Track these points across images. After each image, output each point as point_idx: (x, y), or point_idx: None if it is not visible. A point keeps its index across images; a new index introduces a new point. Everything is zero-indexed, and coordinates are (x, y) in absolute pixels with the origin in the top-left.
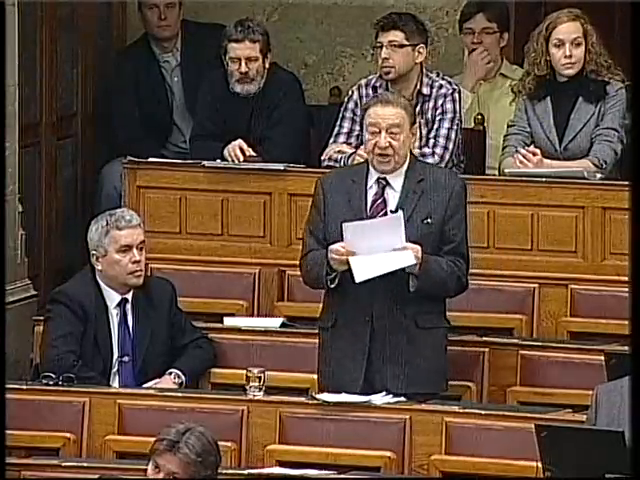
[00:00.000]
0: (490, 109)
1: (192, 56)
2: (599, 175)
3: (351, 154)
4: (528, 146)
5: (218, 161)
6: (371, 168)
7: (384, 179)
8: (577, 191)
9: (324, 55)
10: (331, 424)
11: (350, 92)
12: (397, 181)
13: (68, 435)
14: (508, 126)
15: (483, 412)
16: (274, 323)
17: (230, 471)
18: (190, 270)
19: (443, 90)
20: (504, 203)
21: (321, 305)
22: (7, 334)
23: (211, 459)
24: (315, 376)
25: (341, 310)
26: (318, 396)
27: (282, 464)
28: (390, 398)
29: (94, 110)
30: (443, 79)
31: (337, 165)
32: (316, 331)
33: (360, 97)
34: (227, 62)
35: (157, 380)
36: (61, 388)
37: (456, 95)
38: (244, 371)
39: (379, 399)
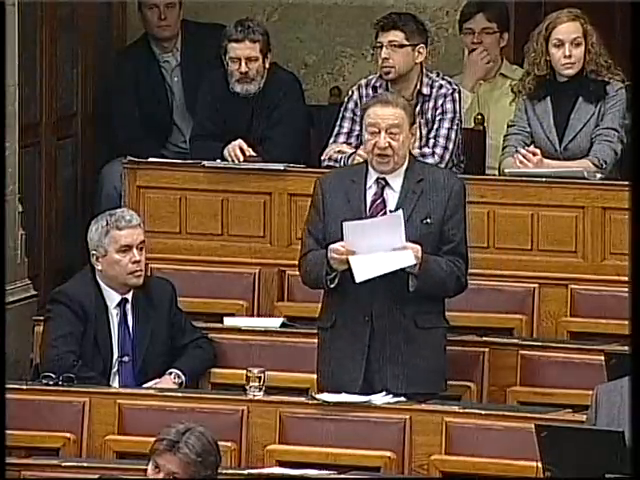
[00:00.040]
0: (490, 109)
1: (192, 56)
2: (599, 175)
3: (351, 154)
4: (528, 146)
5: (218, 161)
6: (370, 168)
7: (383, 179)
8: (577, 191)
9: (324, 55)
10: (331, 424)
11: (350, 92)
12: (396, 181)
13: (68, 435)
14: (508, 126)
15: (483, 412)
16: (274, 323)
17: (230, 471)
18: (190, 270)
19: (443, 90)
20: (504, 203)
21: (320, 305)
22: (7, 334)
23: (211, 459)
24: (315, 376)
25: (340, 310)
26: (318, 396)
27: (282, 464)
28: (390, 398)
29: (94, 110)
30: (443, 79)
31: (337, 165)
32: (316, 331)
33: (360, 97)
34: (227, 62)
35: (157, 380)
36: (61, 388)
37: (456, 95)
38: (244, 371)
39: (379, 399)
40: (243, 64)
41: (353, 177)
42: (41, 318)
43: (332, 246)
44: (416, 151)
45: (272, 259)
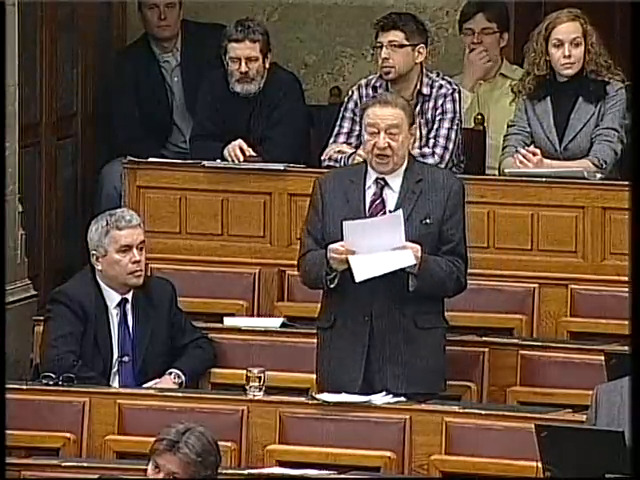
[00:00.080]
0: (490, 109)
1: (192, 56)
2: (599, 175)
3: (351, 154)
4: (528, 146)
5: (218, 161)
6: (369, 168)
7: (382, 179)
8: (577, 191)
9: (324, 55)
10: (331, 424)
11: (350, 92)
12: (395, 181)
13: (68, 435)
14: (508, 126)
15: (483, 412)
16: (274, 323)
17: (230, 471)
18: (190, 270)
19: (443, 90)
20: (504, 203)
21: (319, 305)
22: (7, 334)
23: (211, 459)
24: (315, 376)
25: (340, 310)
26: (318, 396)
27: (282, 464)
28: (390, 398)
29: (94, 110)
30: (443, 79)
31: (337, 165)
32: (316, 331)
33: (360, 97)
34: (227, 62)
35: (157, 380)
36: (61, 388)
37: (456, 95)
38: (244, 371)
39: (379, 399)
40: (243, 64)
41: (352, 177)
42: (41, 318)
43: (332, 246)
44: (416, 151)
45: (272, 259)
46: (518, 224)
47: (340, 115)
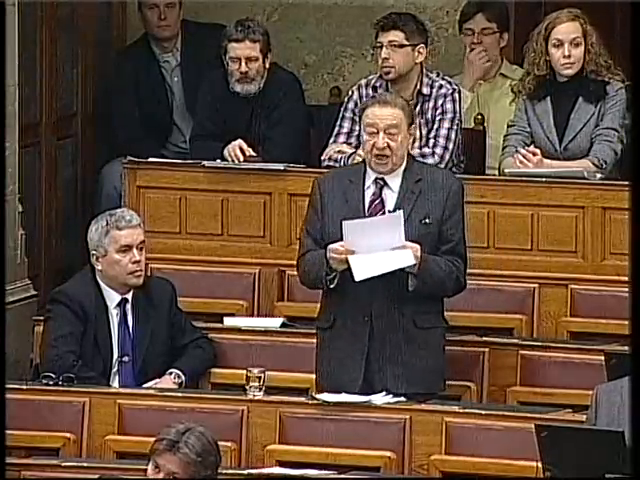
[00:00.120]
0: (490, 109)
1: (192, 56)
2: (599, 175)
3: (351, 154)
4: (528, 146)
5: (218, 161)
6: (368, 168)
7: (382, 179)
8: (577, 191)
9: (324, 55)
10: (331, 424)
11: (350, 92)
12: (395, 181)
13: (68, 435)
14: (508, 126)
15: (483, 412)
16: (274, 323)
17: (230, 471)
18: (190, 270)
19: (443, 90)
20: (504, 203)
21: (319, 305)
22: (7, 334)
23: (211, 459)
24: (314, 376)
25: (340, 310)
26: (318, 396)
27: (282, 464)
28: (390, 398)
29: (94, 110)
30: (443, 79)
31: (337, 165)
32: (315, 331)
33: (360, 97)
34: (227, 62)
35: (157, 380)
36: (61, 388)
37: (456, 95)
38: (244, 371)
39: (379, 399)
40: (243, 64)
41: (351, 177)
42: (41, 318)
43: (331, 246)
44: (416, 151)
45: (272, 259)
46: (518, 224)
47: (340, 115)
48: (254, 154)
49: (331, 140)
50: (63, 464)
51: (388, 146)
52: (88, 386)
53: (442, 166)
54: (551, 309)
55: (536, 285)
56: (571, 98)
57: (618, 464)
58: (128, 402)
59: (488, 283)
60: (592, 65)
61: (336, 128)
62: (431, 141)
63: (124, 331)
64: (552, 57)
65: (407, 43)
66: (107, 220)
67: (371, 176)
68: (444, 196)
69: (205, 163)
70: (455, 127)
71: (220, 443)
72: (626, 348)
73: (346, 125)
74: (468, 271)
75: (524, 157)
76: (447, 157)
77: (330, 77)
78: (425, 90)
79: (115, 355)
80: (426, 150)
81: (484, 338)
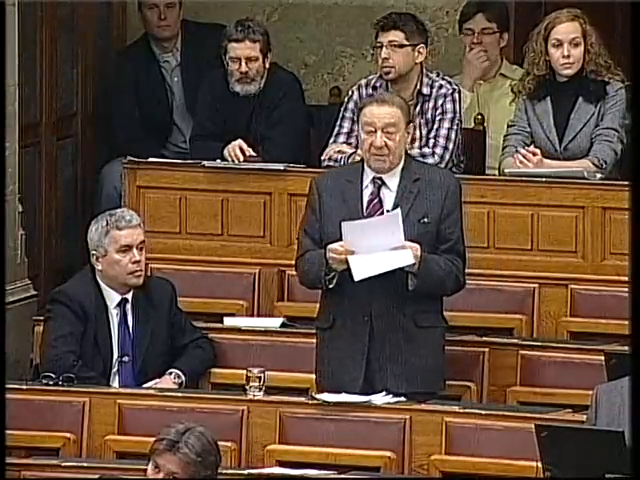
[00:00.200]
0: (490, 109)
1: (192, 56)
2: (599, 175)
3: (351, 154)
4: (528, 146)
5: (218, 161)
6: (366, 168)
7: (380, 179)
8: (577, 191)
9: (324, 55)
10: (331, 424)
11: (350, 92)
12: (393, 181)
13: (68, 435)
14: (508, 126)
15: (483, 412)
16: (274, 323)
17: (230, 471)
18: (190, 270)
19: (443, 90)
20: (504, 203)
21: (318, 305)
22: (7, 334)
23: (211, 459)
24: (314, 376)
25: (339, 310)
26: (318, 396)
27: (282, 464)
28: (390, 398)
29: (94, 110)
30: (443, 79)
31: (337, 165)
32: (315, 331)
33: (360, 97)
34: (227, 62)
35: (157, 380)
36: (61, 388)
37: (456, 95)
38: (244, 371)
39: (379, 399)
40: (243, 64)
41: (349, 177)
42: (41, 318)
43: (331, 246)
44: (416, 151)
45: (272, 259)
46: (518, 224)
47: (340, 115)
48: (254, 154)
49: (331, 140)
50: (63, 464)
51: (386, 145)
52: (88, 386)
53: (442, 166)
54: (551, 309)
55: (536, 285)
56: (571, 98)
57: (618, 464)
58: (128, 402)
59: (488, 283)
60: (592, 65)
61: (336, 128)
62: (431, 141)
63: (124, 331)
64: (552, 57)
65: (407, 43)
66: (107, 220)
67: (369, 175)
68: (442, 195)
69: (205, 163)
70: (455, 127)
71: (220, 443)
72: (626, 348)
73: (346, 125)
74: (468, 271)
75: (524, 157)
76: (447, 157)
77: (330, 77)
78: (425, 90)
79: (115, 355)
80: (426, 150)
81: (484, 338)
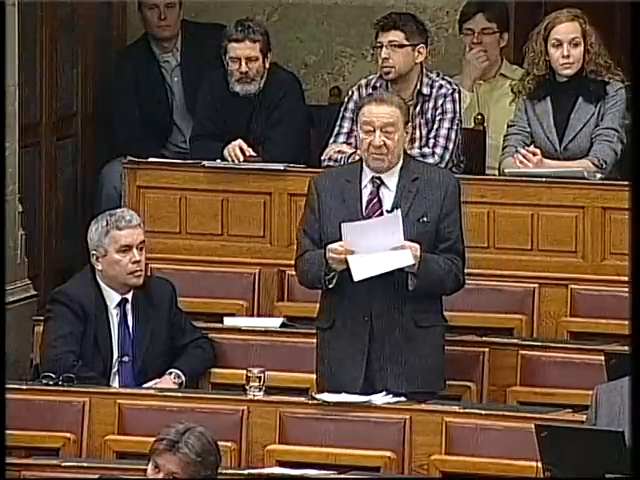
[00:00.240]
0: (490, 109)
1: (192, 56)
2: (599, 175)
3: (351, 154)
4: (528, 146)
5: (218, 161)
6: (365, 167)
7: (378, 178)
8: (577, 191)
9: (324, 55)
10: (331, 424)
11: (350, 92)
12: (392, 180)
13: (68, 435)
14: (508, 126)
15: (483, 412)
16: (274, 323)
17: (230, 471)
18: (190, 270)
19: (443, 90)
20: (504, 203)
21: (318, 306)
22: (7, 334)
23: (211, 459)
24: (315, 376)
25: (339, 310)
26: (318, 396)
27: (282, 464)
28: (390, 398)
29: (94, 110)
30: (443, 79)
31: (337, 165)
32: (315, 331)
33: (360, 97)
34: (227, 62)
35: (157, 380)
36: (61, 388)
37: (456, 95)
38: (244, 371)
39: (379, 399)
40: (243, 64)
41: (348, 177)
42: (41, 318)
43: (330, 246)
44: (416, 151)
45: (272, 259)
46: (518, 224)
47: (340, 115)
48: (254, 154)
49: (331, 140)
50: (63, 464)
51: (385, 144)
52: (88, 386)
53: (442, 166)
54: (551, 309)
55: (536, 285)
56: (571, 98)
57: (618, 464)
58: (128, 402)
59: (488, 283)
60: (592, 65)
61: (336, 128)
62: (431, 141)
63: (124, 331)
64: (551, 57)
65: (407, 43)
66: (107, 220)
67: (368, 175)
68: (441, 194)
69: (205, 163)
70: (455, 127)
71: (220, 443)
72: (626, 348)
73: (346, 125)
74: (468, 271)
75: (524, 157)
76: (447, 157)
77: (330, 77)
78: (425, 90)
79: (115, 355)
80: (426, 150)
81: (484, 338)
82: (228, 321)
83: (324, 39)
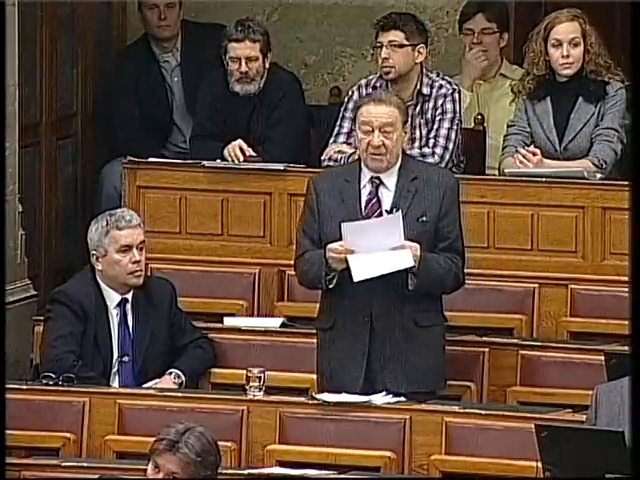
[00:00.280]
0: (490, 109)
1: (192, 56)
2: (599, 175)
3: (351, 154)
4: (528, 146)
5: (218, 161)
6: (364, 167)
7: (377, 178)
8: (577, 191)
9: (324, 55)
10: (331, 424)
11: (350, 92)
12: (390, 180)
13: (68, 435)
14: (508, 126)
15: (483, 412)
16: (274, 323)
17: (230, 471)
18: (190, 270)
19: (443, 90)
20: (504, 203)
21: (318, 306)
22: (7, 334)
23: (211, 459)
24: (315, 376)
25: (340, 311)
26: (318, 396)
27: (282, 464)
28: (390, 398)
29: (94, 110)
30: (443, 79)
31: (337, 165)
32: (315, 331)
33: (360, 97)
34: (227, 62)
35: (157, 380)
36: (61, 388)
37: (456, 95)
38: (244, 371)
39: (379, 399)
40: (243, 64)
41: (346, 177)
42: (41, 318)
43: (330, 245)
44: (416, 151)
45: (272, 259)
46: (518, 224)
47: (340, 115)
48: (254, 154)
49: (331, 140)
50: (63, 464)
51: (383, 144)
52: (88, 386)
53: (442, 166)
54: (551, 309)
55: (536, 285)
56: (571, 98)
57: (618, 464)
58: (128, 402)
59: (488, 283)
60: (592, 65)
61: (336, 128)
62: (431, 141)
63: (124, 331)
64: (551, 57)
65: (407, 43)
66: (107, 220)
67: (367, 175)
68: (440, 194)
69: (205, 163)
70: (455, 127)
71: (220, 443)
72: (626, 348)
73: (346, 125)
74: (468, 271)
75: (524, 157)
76: (447, 157)
77: (330, 77)
78: (425, 90)
79: (115, 355)
80: (426, 150)
81: (484, 338)
82: (228, 321)
83: (324, 39)
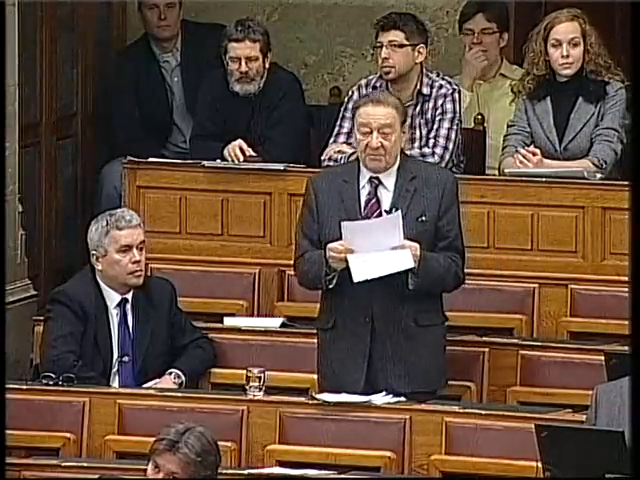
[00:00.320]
0: (490, 109)
1: (192, 56)
2: (599, 175)
3: (351, 154)
4: (528, 146)
5: (218, 161)
6: (362, 167)
7: (376, 178)
8: (577, 191)
9: (324, 55)
10: (331, 424)
11: (350, 92)
12: (389, 180)
13: (68, 435)
14: (508, 126)
15: (483, 412)
16: (274, 323)
17: (230, 471)
18: (190, 270)
19: (443, 90)
20: (504, 203)
21: (318, 306)
22: (7, 334)
23: (211, 459)
24: (315, 376)
25: (340, 311)
26: (318, 396)
27: (282, 464)
28: (390, 398)
29: (94, 110)
30: (443, 79)
31: (336, 165)
32: (316, 331)
33: (360, 97)
34: (227, 62)
35: (157, 380)
36: (61, 388)
37: (456, 95)
38: (244, 371)
39: (379, 399)
40: (243, 64)
41: (345, 177)
42: (41, 318)
43: (330, 245)
44: (416, 151)
45: (272, 259)
46: (518, 224)
47: (340, 115)
48: (254, 154)
49: (331, 140)
50: (63, 464)
51: (382, 145)
52: (88, 386)
53: (442, 166)
54: (551, 309)
55: (536, 285)
56: (571, 98)
57: (618, 464)
58: (128, 402)
59: (488, 283)
60: (591, 65)
61: (336, 128)
62: (431, 141)
63: (124, 331)
64: (551, 57)
65: (407, 43)
66: (107, 220)
67: (365, 175)
68: (439, 193)
69: (205, 163)
70: (455, 127)
71: (220, 443)
72: (626, 348)
73: (346, 125)
74: (468, 271)
75: (524, 157)
76: (447, 157)
77: (330, 77)
78: (425, 90)
79: (115, 355)
80: (426, 150)
81: (484, 338)
82: (228, 321)
83: (324, 39)
